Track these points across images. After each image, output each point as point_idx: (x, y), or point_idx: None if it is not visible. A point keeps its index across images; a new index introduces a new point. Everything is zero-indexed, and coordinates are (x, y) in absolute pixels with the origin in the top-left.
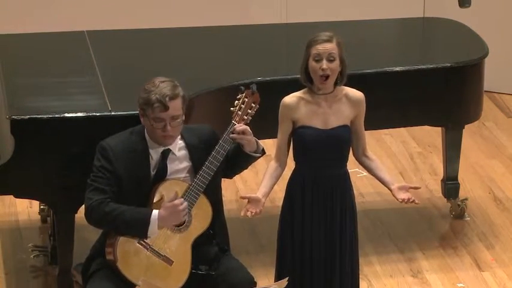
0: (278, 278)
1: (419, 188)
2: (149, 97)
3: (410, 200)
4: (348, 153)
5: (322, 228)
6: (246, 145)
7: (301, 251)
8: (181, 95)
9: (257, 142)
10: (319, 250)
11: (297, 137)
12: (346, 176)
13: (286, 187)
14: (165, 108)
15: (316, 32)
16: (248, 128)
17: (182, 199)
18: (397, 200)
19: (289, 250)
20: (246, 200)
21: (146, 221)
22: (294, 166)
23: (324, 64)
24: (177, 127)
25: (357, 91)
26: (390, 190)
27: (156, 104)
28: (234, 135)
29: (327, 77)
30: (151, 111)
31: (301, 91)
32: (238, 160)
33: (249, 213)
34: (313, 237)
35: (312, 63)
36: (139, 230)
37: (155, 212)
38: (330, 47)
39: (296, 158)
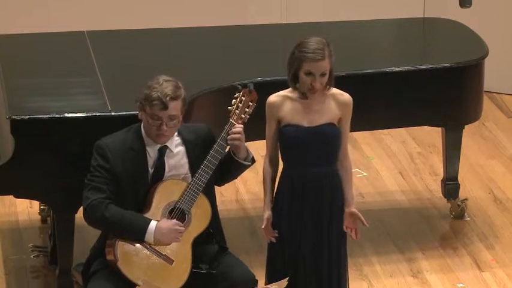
0: (268, 276)
1: (367, 226)
2: (150, 93)
3: (354, 235)
4: (337, 152)
5: (309, 228)
6: (236, 150)
7: (291, 251)
8: (182, 97)
9: (247, 150)
10: (307, 250)
11: (282, 135)
12: (334, 174)
13: (276, 187)
14: (165, 107)
15: (315, 33)
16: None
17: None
18: (343, 224)
19: (279, 250)
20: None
21: (143, 230)
22: (282, 166)
23: (317, 82)
24: (172, 128)
25: (345, 93)
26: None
27: (155, 102)
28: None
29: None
30: (149, 108)
31: (287, 90)
32: (230, 168)
33: (273, 239)
34: (302, 237)
35: (303, 77)
36: (135, 237)
37: (153, 224)
38: (323, 64)
39: (283, 157)
